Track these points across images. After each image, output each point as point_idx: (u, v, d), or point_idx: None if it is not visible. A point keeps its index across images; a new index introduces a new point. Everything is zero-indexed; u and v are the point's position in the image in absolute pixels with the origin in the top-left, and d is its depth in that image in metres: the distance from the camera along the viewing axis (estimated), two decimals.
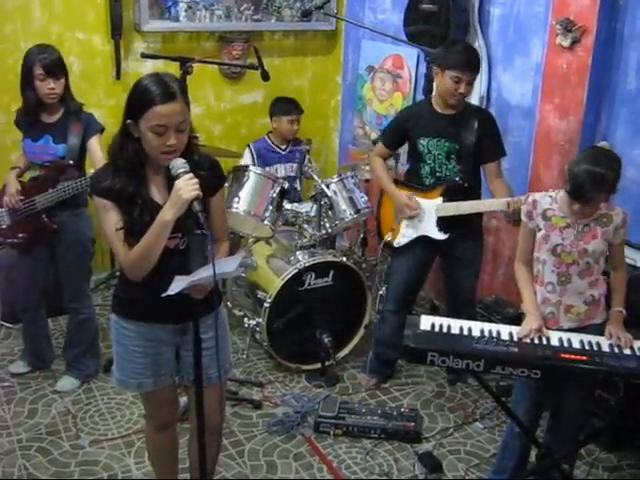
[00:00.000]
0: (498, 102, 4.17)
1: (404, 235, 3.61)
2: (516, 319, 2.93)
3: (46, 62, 3.29)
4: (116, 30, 4.44)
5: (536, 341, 2.59)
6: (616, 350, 2.56)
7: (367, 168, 4.32)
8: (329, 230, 4.03)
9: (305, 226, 4.08)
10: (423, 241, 3.56)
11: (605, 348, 2.57)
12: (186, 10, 4.66)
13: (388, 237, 3.70)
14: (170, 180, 2.25)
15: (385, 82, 4.94)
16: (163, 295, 2.17)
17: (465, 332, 2.61)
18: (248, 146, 4.56)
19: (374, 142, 4.31)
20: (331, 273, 3.90)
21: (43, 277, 3.68)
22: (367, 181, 4.51)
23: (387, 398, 3.78)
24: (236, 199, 3.91)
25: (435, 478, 3.20)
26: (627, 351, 2.56)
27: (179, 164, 2.22)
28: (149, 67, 4.40)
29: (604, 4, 3.40)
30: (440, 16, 4.15)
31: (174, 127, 2.20)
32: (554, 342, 2.58)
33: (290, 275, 3.79)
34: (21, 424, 3.45)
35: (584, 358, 2.49)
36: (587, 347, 2.56)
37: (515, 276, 2.84)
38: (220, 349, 2.36)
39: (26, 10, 4.27)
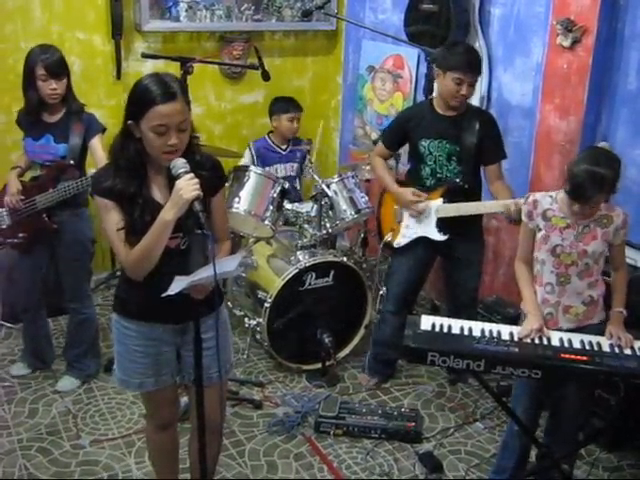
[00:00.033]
0: (498, 102, 4.17)
1: (404, 235, 3.61)
2: (517, 319, 2.93)
3: (48, 62, 3.30)
4: (117, 30, 4.45)
5: (537, 341, 2.59)
6: (617, 350, 2.56)
7: (367, 168, 4.32)
8: (329, 230, 4.03)
9: (305, 226, 4.08)
10: (424, 241, 3.56)
11: (606, 348, 2.57)
12: (187, 10, 4.66)
13: (388, 237, 3.70)
14: (171, 180, 2.25)
15: (386, 82, 4.94)
16: (163, 295, 2.18)
17: (466, 332, 2.61)
18: (248, 145, 4.57)
19: (374, 142, 4.31)
20: (332, 273, 3.90)
21: (43, 277, 3.68)
22: (368, 181, 4.52)
23: (388, 398, 3.78)
24: (236, 199, 3.91)
25: (435, 478, 3.20)
26: (627, 351, 2.56)
27: (180, 164, 2.23)
28: (149, 67, 4.40)
29: (605, 4, 3.40)
30: (440, 16, 4.15)
31: (175, 127, 2.21)
32: (555, 342, 2.59)
33: (291, 275, 3.79)
34: (21, 424, 3.45)
35: (585, 358, 2.49)
36: (588, 347, 2.56)
37: (515, 276, 2.85)
38: (221, 349, 2.36)
39: (26, 10, 4.28)
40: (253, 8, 4.87)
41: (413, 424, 3.45)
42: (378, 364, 3.89)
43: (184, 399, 3.05)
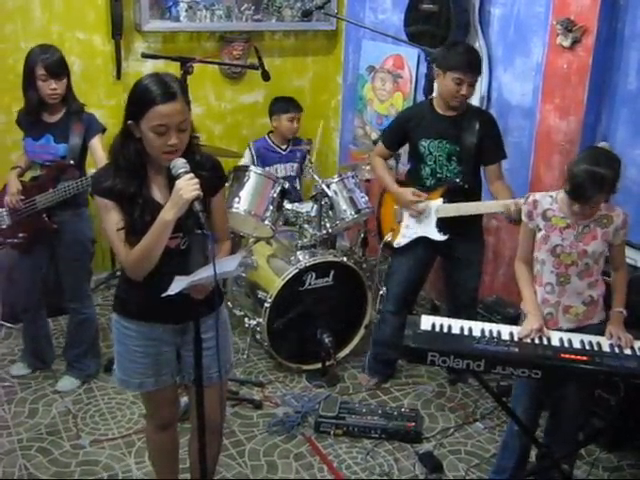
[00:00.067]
0: (498, 102, 4.17)
1: (404, 235, 3.61)
2: (517, 319, 2.93)
3: (48, 62, 3.30)
4: (117, 30, 4.45)
5: (537, 341, 2.59)
6: (617, 350, 2.56)
7: (368, 168, 4.32)
8: (329, 230, 4.03)
9: (305, 226, 4.08)
10: (424, 241, 3.56)
11: (606, 348, 2.57)
12: (187, 10, 4.66)
13: (388, 237, 3.70)
14: (171, 180, 2.26)
15: (386, 82, 4.94)
16: (163, 295, 2.18)
17: (466, 332, 2.61)
18: (248, 145, 4.57)
19: (374, 142, 4.31)
20: (332, 273, 3.90)
21: (43, 277, 3.68)
22: (368, 181, 4.52)
23: (388, 398, 3.78)
24: (237, 199, 3.91)
25: (435, 478, 3.20)
26: (628, 351, 2.56)
27: (179, 164, 2.23)
28: (149, 67, 4.41)
29: (605, 4, 3.40)
30: (440, 16, 4.15)
31: (175, 127, 2.21)
32: (555, 342, 2.58)
33: (291, 275, 3.79)
34: (21, 424, 3.45)
35: (585, 358, 2.48)
36: (588, 347, 2.56)
37: (515, 276, 2.85)
38: (221, 349, 2.36)
39: (26, 10, 4.28)
40: (253, 8, 4.87)
41: (413, 424, 3.45)
42: (378, 364, 3.89)
43: (184, 399, 3.05)
